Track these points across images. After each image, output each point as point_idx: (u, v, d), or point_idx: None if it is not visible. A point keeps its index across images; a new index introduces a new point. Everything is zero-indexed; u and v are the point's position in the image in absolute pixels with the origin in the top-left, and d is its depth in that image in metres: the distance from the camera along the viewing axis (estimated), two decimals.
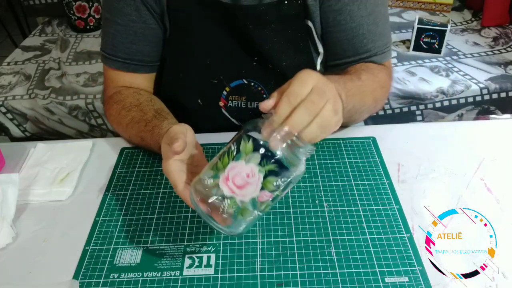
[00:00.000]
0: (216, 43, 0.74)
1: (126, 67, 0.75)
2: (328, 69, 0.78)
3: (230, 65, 0.75)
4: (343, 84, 0.59)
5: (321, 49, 0.75)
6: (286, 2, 0.70)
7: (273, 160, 0.43)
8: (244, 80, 0.76)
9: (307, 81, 0.45)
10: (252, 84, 0.76)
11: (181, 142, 0.48)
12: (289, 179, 0.45)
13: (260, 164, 0.43)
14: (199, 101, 0.78)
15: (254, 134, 0.45)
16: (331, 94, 0.46)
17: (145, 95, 0.75)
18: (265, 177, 0.44)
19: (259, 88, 0.76)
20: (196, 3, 0.71)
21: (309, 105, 0.44)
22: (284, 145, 0.43)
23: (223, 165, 0.45)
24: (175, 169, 0.50)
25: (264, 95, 0.76)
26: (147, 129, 0.66)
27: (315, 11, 0.71)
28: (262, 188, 0.44)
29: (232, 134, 0.48)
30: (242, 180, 0.44)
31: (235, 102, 0.77)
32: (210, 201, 0.45)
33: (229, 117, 0.79)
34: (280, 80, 0.73)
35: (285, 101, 0.44)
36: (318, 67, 0.77)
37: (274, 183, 0.44)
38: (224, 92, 0.77)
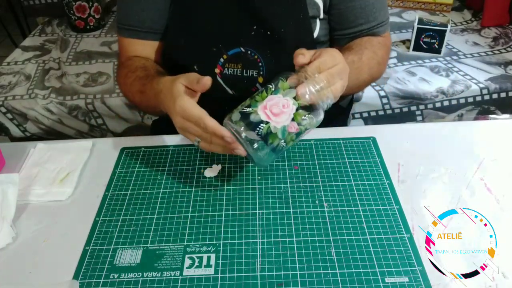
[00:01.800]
0: (217, 10, 0.76)
1: (136, 34, 0.80)
2: (336, 40, 0.83)
3: (229, 33, 0.77)
4: None
5: (322, 15, 0.79)
6: None
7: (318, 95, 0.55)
8: (242, 48, 0.77)
9: (336, 60, 0.59)
10: (249, 52, 0.77)
11: (208, 80, 0.57)
12: (311, 120, 0.56)
13: (294, 98, 0.55)
14: (195, 67, 0.79)
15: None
16: (346, 73, 0.61)
17: (151, 62, 0.81)
18: (296, 110, 0.55)
19: (256, 57, 0.78)
20: None
21: (329, 77, 0.57)
22: (312, 90, 0.55)
23: (261, 98, 0.56)
24: (195, 104, 0.57)
25: (260, 64, 0.78)
26: (148, 81, 0.71)
27: None
28: (293, 120, 0.55)
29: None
30: (278, 109, 0.54)
31: (230, 70, 0.79)
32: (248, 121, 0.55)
33: (224, 85, 0.80)
34: (277, 49, 0.78)
35: (316, 65, 0.57)
36: (315, 34, 0.79)
37: (303, 117, 0.55)
38: (221, 60, 0.78)
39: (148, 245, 0.57)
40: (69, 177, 0.68)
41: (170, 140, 0.75)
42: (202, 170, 0.68)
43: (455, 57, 1.41)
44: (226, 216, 0.61)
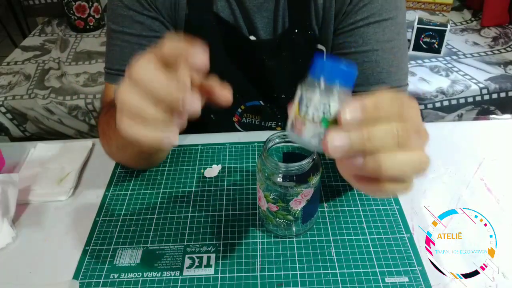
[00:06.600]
0: (232, 65, 0.72)
1: None
2: None
3: (246, 87, 0.74)
4: None
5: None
6: (296, 31, 0.67)
7: (265, 179, 0.51)
8: (261, 102, 0.75)
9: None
10: (268, 106, 0.76)
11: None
12: (281, 194, 0.51)
13: (260, 181, 0.53)
14: (212, 116, 0.77)
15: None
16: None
17: None
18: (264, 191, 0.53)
19: (274, 110, 0.76)
20: (215, 23, 0.68)
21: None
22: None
23: None
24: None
25: (279, 116, 0.76)
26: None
27: (329, 34, 0.67)
28: (268, 201, 0.53)
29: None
30: (258, 194, 0.56)
31: (249, 119, 0.77)
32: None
33: (242, 130, 0.79)
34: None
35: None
36: None
37: (270, 197, 0.52)
38: (239, 110, 0.77)
39: (148, 245, 0.57)
40: (69, 177, 0.68)
41: None
42: (202, 170, 0.68)
43: (454, 57, 1.41)
44: (226, 216, 0.61)
